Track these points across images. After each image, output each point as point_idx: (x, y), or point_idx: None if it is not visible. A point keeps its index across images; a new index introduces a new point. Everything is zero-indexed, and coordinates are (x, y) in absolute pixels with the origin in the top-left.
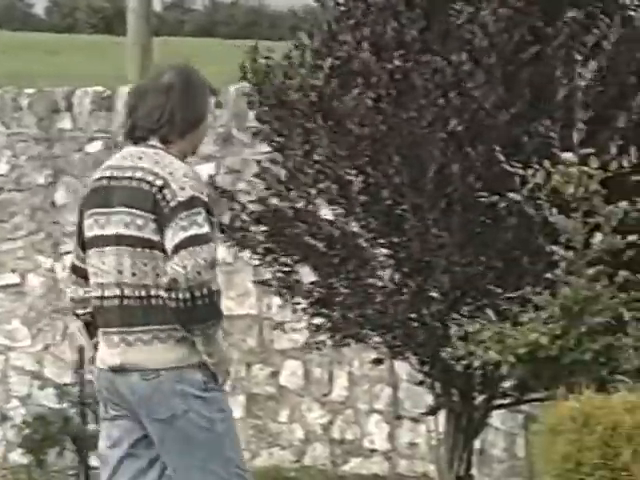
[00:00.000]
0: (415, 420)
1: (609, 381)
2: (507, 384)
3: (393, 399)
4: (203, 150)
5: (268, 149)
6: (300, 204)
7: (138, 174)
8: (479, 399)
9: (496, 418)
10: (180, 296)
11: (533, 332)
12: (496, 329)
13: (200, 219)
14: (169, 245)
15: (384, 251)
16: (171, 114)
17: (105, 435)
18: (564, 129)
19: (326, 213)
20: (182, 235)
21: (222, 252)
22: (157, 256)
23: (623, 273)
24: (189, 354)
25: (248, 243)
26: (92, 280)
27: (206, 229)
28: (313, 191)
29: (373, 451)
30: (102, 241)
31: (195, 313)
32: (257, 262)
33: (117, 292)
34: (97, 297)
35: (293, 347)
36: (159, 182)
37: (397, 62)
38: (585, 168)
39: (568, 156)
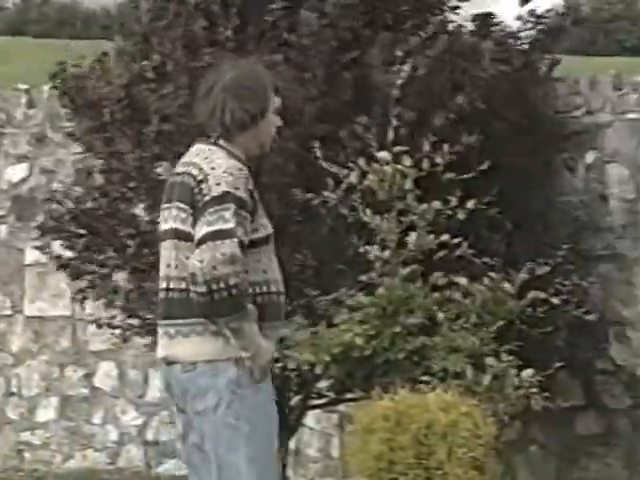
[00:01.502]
0: None
1: (422, 381)
2: (322, 384)
3: None
4: (17, 151)
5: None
6: (113, 204)
7: (189, 169)
8: (294, 400)
9: (311, 418)
10: (198, 289)
11: (347, 332)
12: (311, 330)
13: (228, 214)
14: (195, 239)
15: None
16: (227, 112)
17: (177, 427)
18: (380, 127)
19: (141, 213)
20: (206, 229)
21: (37, 253)
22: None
23: (437, 274)
24: (224, 347)
25: (64, 243)
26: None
27: (231, 224)
28: (125, 190)
29: None
30: (163, 235)
31: (214, 307)
32: (73, 261)
33: (164, 285)
34: (158, 289)
35: (108, 348)
36: (200, 177)
37: (208, 60)
38: (399, 166)
39: (383, 155)
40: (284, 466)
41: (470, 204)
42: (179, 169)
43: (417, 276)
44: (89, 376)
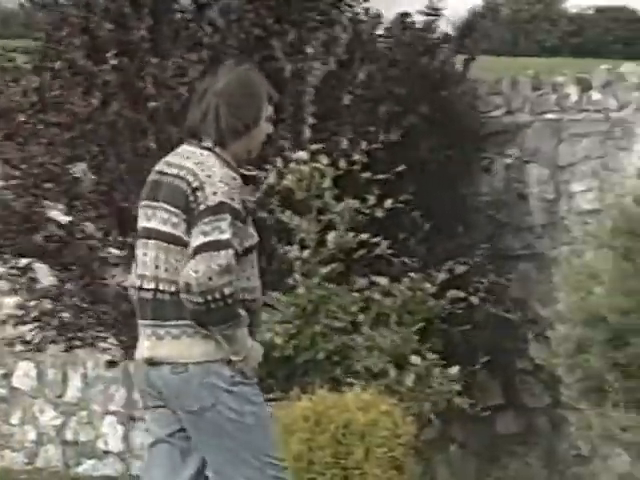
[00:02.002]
0: None
1: (341, 380)
2: None
3: (128, 400)
4: None
5: None
6: (28, 205)
7: (181, 173)
8: None
9: None
10: (193, 299)
11: (268, 332)
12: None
13: (224, 225)
14: (190, 248)
15: (116, 252)
16: (221, 118)
17: (147, 424)
18: (295, 126)
19: (57, 214)
20: (201, 239)
21: None
22: (187, 254)
23: (359, 279)
24: (216, 349)
25: None
26: (137, 270)
27: (227, 235)
28: (38, 192)
29: (107, 452)
30: (147, 233)
31: (209, 316)
32: None
33: (152, 285)
34: (137, 287)
35: (27, 348)
36: (196, 184)
37: (114, 62)
38: (317, 165)
39: (300, 154)
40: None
41: (388, 203)
42: (166, 169)
43: (337, 275)
44: (7, 376)
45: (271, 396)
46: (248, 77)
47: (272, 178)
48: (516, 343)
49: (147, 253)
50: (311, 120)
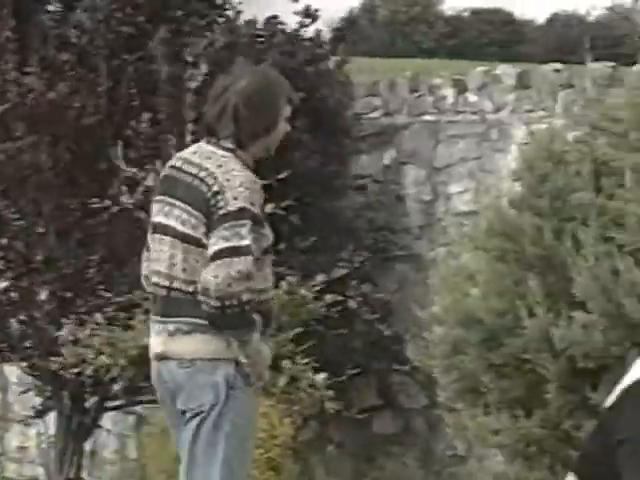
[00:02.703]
0: (26, 424)
1: None
2: (118, 386)
3: (2, 402)
4: None
5: None
6: None
7: (201, 174)
8: (90, 401)
9: (107, 420)
10: (211, 303)
11: (144, 335)
12: (107, 333)
13: (244, 231)
14: (209, 252)
15: None
16: (240, 119)
17: (166, 420)
18: (177, 128)
19: None
20: (221, 245)
21: None
22: (206, 256)
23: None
24: (226, 348)
25: None
26: (151, 264)
27: (247, 241)
28: None
29: None
30: (163, 229)
31: (225, 320)
32: None
33: (167, 283)
34: (151, 283)
35: None
36: (216, 187)
37: None
38: None
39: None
40: (79, 467)
41: (269, 208)
42: (184, 166)
43: None
44: None
45: (148, 398)
46: (268, 78)
47: (151, 180)
48: (393, 345)
49: (163, 249)
50: (191, 127)
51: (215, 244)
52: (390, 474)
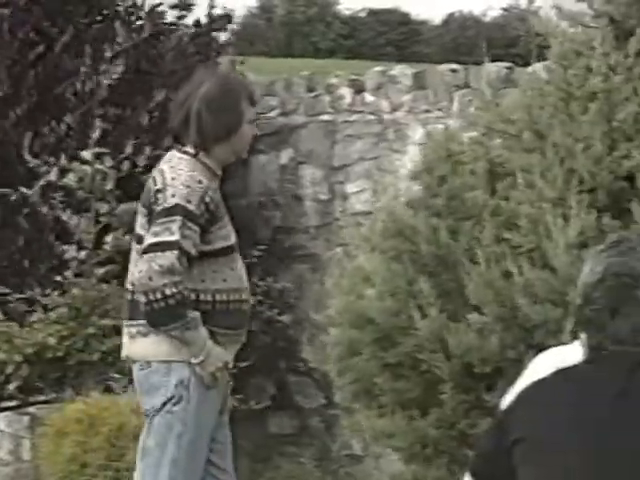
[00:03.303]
0: None
1: (114, 381)
2: (13, 386)
3: None
4: None
5: None
6: None
7: (155, 174)
8: None
9: (1, 421)
10: (140, 299)
11: (41, 332)
12: (3, 329)
13: (174, 227)
14: (140, 248)
15: None
16: (203, 123)
17: None
18: (83, 126)
19: None
20: (150, 240)
21: None
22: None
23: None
24: (180, 349)
25: None
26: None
27: (176, 237)
28: None
29: None
30: (135, 236)
31: (154, 316)
32: None
33: (130, 287)
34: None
35: None
36: (160, 185)
37: None
38: (100, 167)
39: (84, 154)
40: None
41: None
42: (152, 172)
43: (113, 276)
44: None
45: (43, 398)
46: (229, 81)
47: (54, 175)
48: (290, 344)
49: (133, 255)
50: (99, 123)
51: (146, 240)
52: (286, 474)
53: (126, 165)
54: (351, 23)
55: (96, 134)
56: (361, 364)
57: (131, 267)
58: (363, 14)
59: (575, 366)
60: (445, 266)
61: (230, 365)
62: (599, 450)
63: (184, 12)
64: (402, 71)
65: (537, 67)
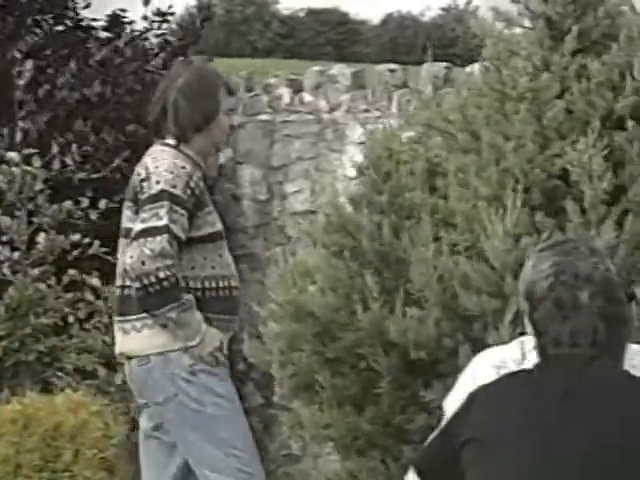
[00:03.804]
0: None
1: (52, 382)
2: None
3: None
4: None
5: None
6: None
7: (138, 168)
8: None
9: None
10: (133, 285)
11: None
12: None
13: (162, 212)
14: (130, 235)
15: None
16: (180, 113)
17: (139, 418)
18: (10, 129)
19: None
20: (139, 227)
21: None
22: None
23: (72, 272)
24: (174, 339)
25: None
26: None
27: (165, 221)
28: None
29: None
30: (121, 233)
31: (149, 300)
32: None
33: (120, 282)
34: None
35: None
36: (143, 175)
37: None
38: (29, 168)
39: (12, 156)
40: None
41: (102, 204)
42: (136, 168)
43: (48, 276)
44: None
45: None
46: (203, 71)
47: None
48: (231, 343)
49: (119, 251)
50: (22, 124)
51: (135, 227)
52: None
53: (56, 164)
54: (290, 22)
55: (20, 136)
56: (302, 359)
57: (120, 261)
58: (302, 13)
59: (525, 369)
60: (387, 263)
61: (225, 352)
62: (548, 454)
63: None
64: (341, 71)
65: (475, 68)
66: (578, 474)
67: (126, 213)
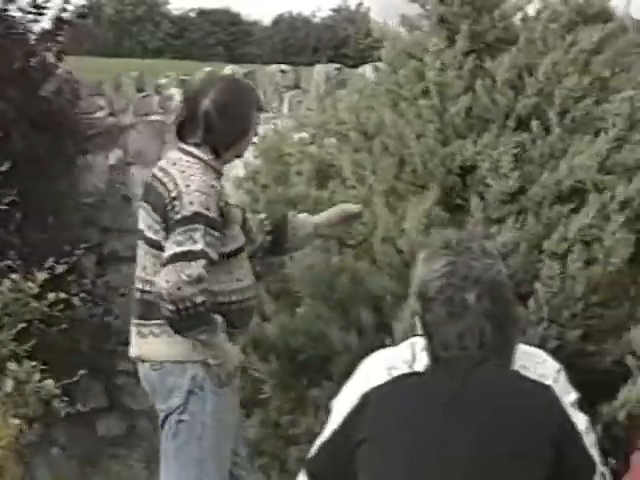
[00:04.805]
0: None
1: None
2: None
3: None
4: None
5: None
6: None
7: (165, 179)
8: None
9: None
10: (167, 306)
11: None
12: None
13: (197, 235)
14: (164, 256)
15: None
16: (214, 127)
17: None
18: None
19: None
20: (174, 249)
21: None
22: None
23: None
24: (194, 350)
25: None
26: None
27: (200, 246)
28: None
29: None
30: (139, 234)
31: (182, 323)
32: None
33: (140, 286)
34: (132, 287)
35: None
36: (174, 193)
37: None
38: None
39: None
40: None
41: None
42: (157, 172)
43: None
44: None
45: None
46: (239, 86)
47: None
48: (118, 345)
49: (139, 254)
50: None
51: (169, 249)
52: (115, 476)
53: None
54: (180, 23)
55: None
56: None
57: (138, 265)
58: (193, 14)
59: (417, 372)
60: (271, 264)
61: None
62: (431, 459)
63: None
64: (232, 72)
65: (366, 69)
66: (462, 479)
67: (143, 215)
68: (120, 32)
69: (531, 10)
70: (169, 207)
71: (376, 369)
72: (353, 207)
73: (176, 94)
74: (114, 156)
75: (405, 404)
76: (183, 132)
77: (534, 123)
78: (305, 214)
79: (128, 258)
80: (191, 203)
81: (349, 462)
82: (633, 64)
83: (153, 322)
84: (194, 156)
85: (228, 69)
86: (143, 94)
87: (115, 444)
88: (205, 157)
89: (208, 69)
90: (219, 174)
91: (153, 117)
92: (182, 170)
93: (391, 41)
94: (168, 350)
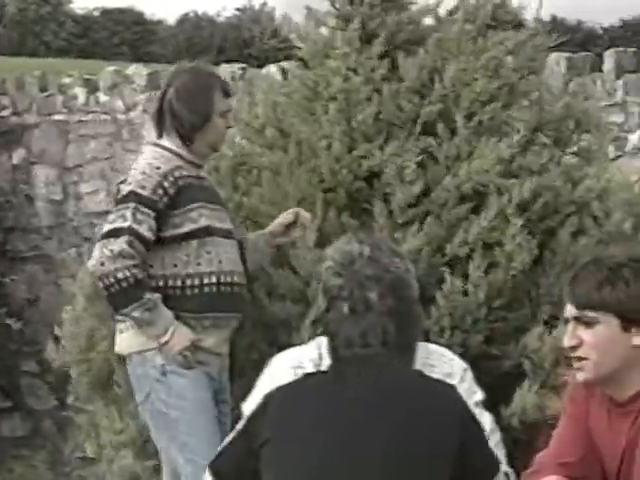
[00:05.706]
0: None
1: None
2: None
3: None
4: None
5: None
6: None
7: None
8: None
9: None
10: (98, 284)
11: None
12: None
13: (128, 213)
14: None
15: None
16: (177, 115)
17: None
18: None
19: None
20: (104, 228)
21: None
22: None
23: None
24: (149, 338)
25: None
26: None
27: (128, 222)
28: None
29: None
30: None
31: (112, 300)
32: None
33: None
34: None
35: None
36: (124, 177)
37: None
38: None
39: None
40: None
41: None
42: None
43: None
44: None
45: None
46: (199, 71)
47: None
48: (22, 346)
49: None
50: None
51: (103, 227)
52: (18, 477)
53: None
54: (84, 22)
55: None
56: (98, 358)
57: None
58: (97, 13)
59: (322, 371)
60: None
61: (224, 351)
62: (335, 459)
63: None
64: (136, 71)
65: (271, 69)
66: (378, 475)
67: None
68: (23, 31)
69: (443, 12)
70: (116, 190)
71: (282, 369)
72: (291, 215)
73: (80, 93)
74: (17, 156)
75: (310, 404)
76: (160, 128)
77: (440, 126)
78: (257, 232)
79: (31, 258)
80: (129, 183)
81: (253, 462)
82: (542, 67)
83: (123, 317)
84: (161, 146)
85: (132, 68)
86: (47, 93)
87: (19, 445)
88: (171, 146)
89: (112, 68)
90: (191, 163)
91: (57, 116)
92: (143, 157)
93: (302, 40)
94: (131, 342)
